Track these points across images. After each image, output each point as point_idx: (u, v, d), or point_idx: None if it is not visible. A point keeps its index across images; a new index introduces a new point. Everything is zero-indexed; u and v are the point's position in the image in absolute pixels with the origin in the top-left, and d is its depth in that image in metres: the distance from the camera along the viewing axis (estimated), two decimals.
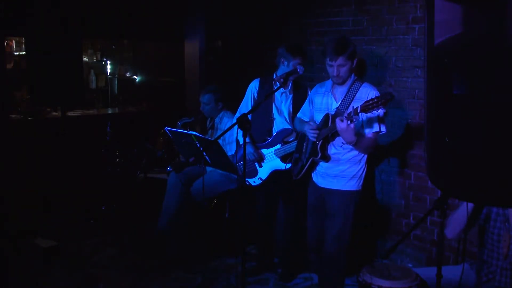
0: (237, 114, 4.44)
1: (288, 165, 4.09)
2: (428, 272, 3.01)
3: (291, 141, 4.10)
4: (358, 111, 3.17)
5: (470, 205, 2.83)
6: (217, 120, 4.85)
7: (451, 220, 2.99)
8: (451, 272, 2.85)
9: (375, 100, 3.11)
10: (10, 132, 4.95)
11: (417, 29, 4.26)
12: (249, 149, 4.15)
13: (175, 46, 6.32)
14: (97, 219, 5.37)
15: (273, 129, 4.22)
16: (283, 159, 4.15)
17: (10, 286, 4.17)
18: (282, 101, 4.19)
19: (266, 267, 4.55)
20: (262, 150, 4.23)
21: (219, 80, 5.11)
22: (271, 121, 4.20)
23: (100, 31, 5.79)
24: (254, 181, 4.29)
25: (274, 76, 4.20)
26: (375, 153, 4.63)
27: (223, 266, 4.58)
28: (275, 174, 4.21)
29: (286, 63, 4.07)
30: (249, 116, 4.29)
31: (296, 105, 4.15)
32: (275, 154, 4.18)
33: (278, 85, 4.04)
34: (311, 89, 4.10)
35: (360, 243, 4.38)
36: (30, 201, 4.92)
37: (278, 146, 4.16)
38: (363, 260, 4.20)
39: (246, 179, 4.30)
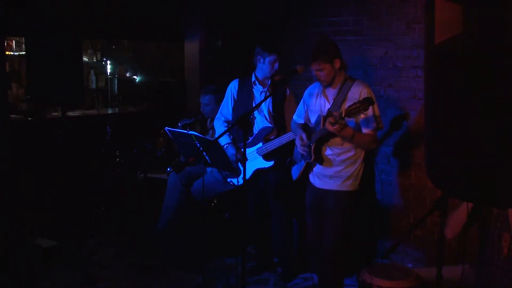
0: (218, 115, 4.47)
1: (271, 163, 4.11)
2: (428, 272, 3.01)
3: (272, 139, 4.12)
4: (343, 115, 3.18)
5: (470, 205, 2.83)
6: None
7: (451, 220, 2.99)
8: (451, 272, 2.85)
9: (358, 104, 3.13)
10: (10, 132, 4.94)
11: (417, 29, 4.26)
12: (231, 151, 4.16)
13: (175, 46, 6.32)
14: (97, 219, 5.36)
15: (254, 128, 4.23)
16: (266, 157, 4.15)
17: (10, 286, 4.17)
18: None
19: (266, 267, 4.55)
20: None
21: (219, 80, 5.11)
22: (251, 120, 4.21)
23: (100, 31, 5.79)
24: (238, 181, 4.31)
25: (253, 76, 4.24)
26: (376, 153, 4.64)
27: (223, 266, 4.58)
28: (260, 173, 4.22)
29: (262, 60, 4.13)
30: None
31: (276, 104, 4.18)
32: (257, 152, 4.19)
33: (258, 84, 4.21)
34: (291, 89, 4.17)
35: (360, 243, 4.38)
36: (30, 201, 4.92)
37: (260, 144, 4.18)
38: (363, 260, 4.20)
39: (230, 179, 4.32)
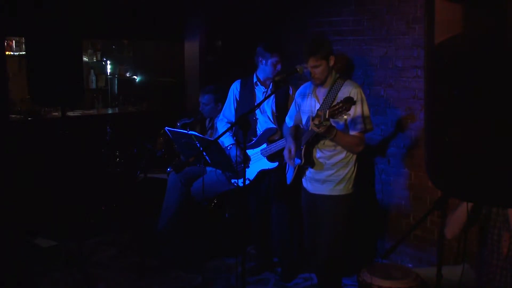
0: (221, 117, 4.47)
1: (275, 164, 4.10)
2: (428, 272, 3.01)
3: (277, 140, 4.11)
4: (327, 116, 3.12)
5: (470, 205, 2.83)
6: (216, 120, 4.84)
7: (451, 219, 2.99)
8: (451, 272, 2.85)
9: (340, 104, 3.06)
10: (10, 132, 4.94)
11: (417, 29, 4.26)
12: (234, 152, 4.14)
13: (175, 46, 6.32)
14: (97, 219, 5.36)
15: (257, 129, 4.23)
16: (270, 158, 4.15)
17: (10, 286, 4.17)
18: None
19: (266, 267, 4.55)
20: (248, 150, 4.22)
21: (219, 80, 5.11)
22: (254, 121, 4.21)
23: (100, 31, 5.79)
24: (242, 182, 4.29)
25: (254, 77, 4.23)
26: (376, 153, 4.64)
27: (223, 266, 4.58)
28: (264, 173, 4.22)
29: (264, 61, 4.11)
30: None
31: (279, 104, 4.17)
32: (261, 153, 4.18)
33: (259, 85, 4.19)
34: (294, 88, 4.15)
35: (360, 243, 4.38)
36: (30, 201, 4.91)
37: (264, 145, 4.17)
38: (363, 260, 4.20)
39: (234, 180, 4.32)
